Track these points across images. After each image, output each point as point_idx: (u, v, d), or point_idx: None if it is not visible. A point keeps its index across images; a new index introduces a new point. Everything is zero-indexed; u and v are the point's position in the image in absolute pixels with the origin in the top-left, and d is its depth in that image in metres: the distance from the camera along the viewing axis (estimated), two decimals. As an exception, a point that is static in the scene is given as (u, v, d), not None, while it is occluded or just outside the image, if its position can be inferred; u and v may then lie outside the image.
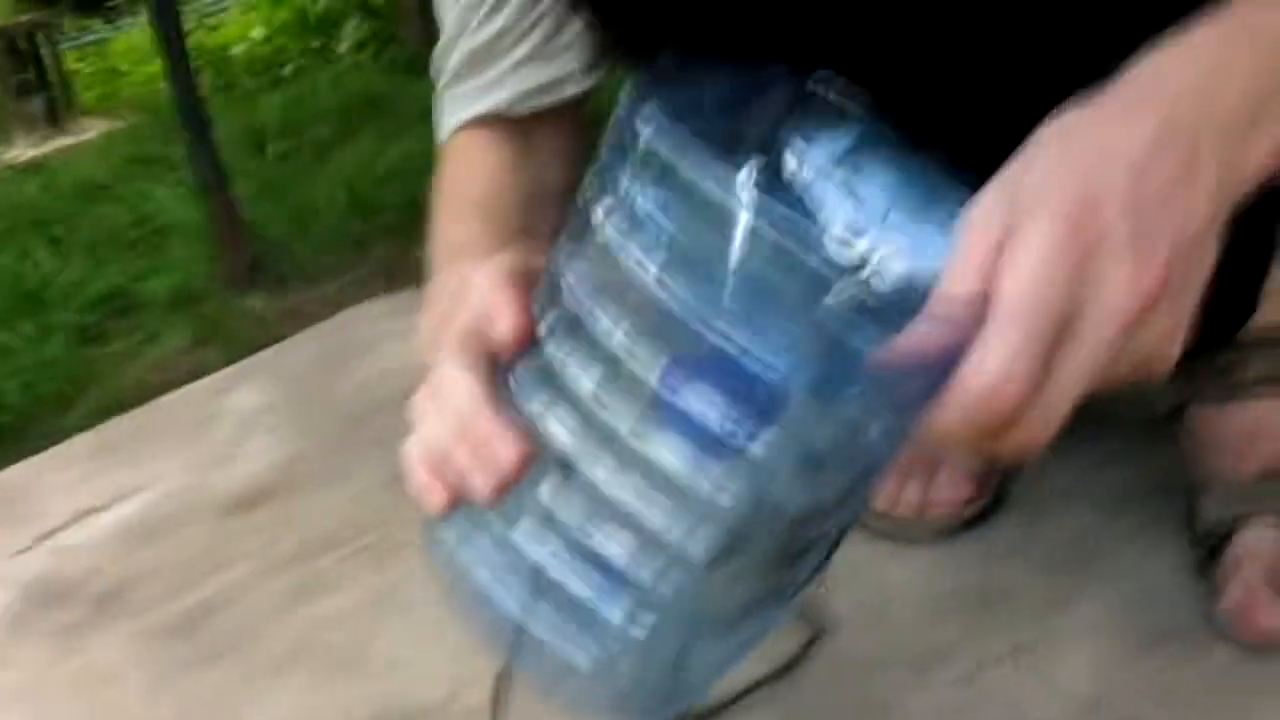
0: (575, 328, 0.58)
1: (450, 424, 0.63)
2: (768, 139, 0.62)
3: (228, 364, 1.73)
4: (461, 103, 0.96)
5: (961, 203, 0.55)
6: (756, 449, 0.55)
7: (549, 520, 0.61)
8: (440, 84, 0.98)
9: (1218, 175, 0.57)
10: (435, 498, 0.64)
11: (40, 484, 1.54)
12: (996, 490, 1.15)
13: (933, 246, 0.56)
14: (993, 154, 0.58)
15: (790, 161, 0.62)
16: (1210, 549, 1.02)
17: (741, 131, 0.60)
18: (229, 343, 1.79)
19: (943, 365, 0.53)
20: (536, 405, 0.61)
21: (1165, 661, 0.99)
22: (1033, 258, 0.53)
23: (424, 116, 2.42)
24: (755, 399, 0.54)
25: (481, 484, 0.62)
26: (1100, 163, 0.55)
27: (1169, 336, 0.56)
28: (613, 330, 0.56)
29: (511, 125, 0.95)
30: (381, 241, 1.99)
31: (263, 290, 1.90)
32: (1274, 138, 0.60)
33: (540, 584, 0.62)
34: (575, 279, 0.59)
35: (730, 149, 0.57)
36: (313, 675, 1.17)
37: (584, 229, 0.58)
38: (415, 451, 0.65)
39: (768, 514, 0.57)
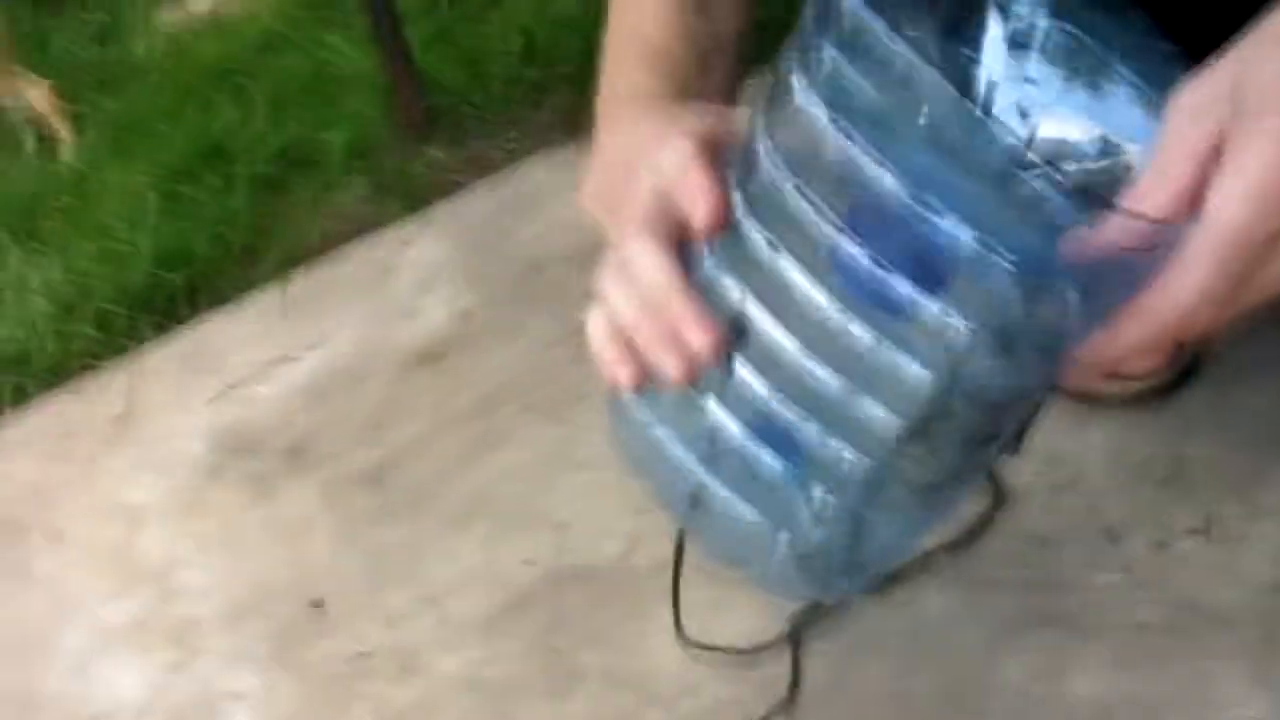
0: (772, 202, 0.57)
1: (639, 303, 0.62)
2: None
3: (407, 215, 1.74)
4: None
5: (1172, 82, 0.52)
6: (951, 325, 0.53)
7: (737, 395, 0.60)
8: None
9: None
10: (623, 376, 0.63)
11: (228, 337, 1.58)
12: (1189, 361, 1.11)
13: (1137, 127, 0.54)
14: (1206, 25, 0.55)
15: (992, 21, 0.59)
16: None
17: None
18: (408, 193, 1.79)
19: (1138, 262, 0.51)
20: (730, 283, 0.59)
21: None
22: (1249, 180, 0.51)
23: (600, -38, 2.38)
24: (947, 272, 0.52)
25: (672, 367, 0.61)
26: None
27: None
28: (811, 204, 0.54)
29: None
30: (559, 89, 1.96)
31: (441, 140, 1.90)
32: None
33: (722, 454, 0.62)
34: (772, 150, 0.57)
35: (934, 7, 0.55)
36: (491, 529, 1.20)
37: (782, 97, 0.56)
38: (602, 327, 0.64)
39: (957, 394, 0.56)
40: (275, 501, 1.31)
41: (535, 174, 1.74)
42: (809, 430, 0.59)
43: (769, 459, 0.60)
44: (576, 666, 1.05)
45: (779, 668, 0.99)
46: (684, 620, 1.02)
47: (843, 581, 0.67)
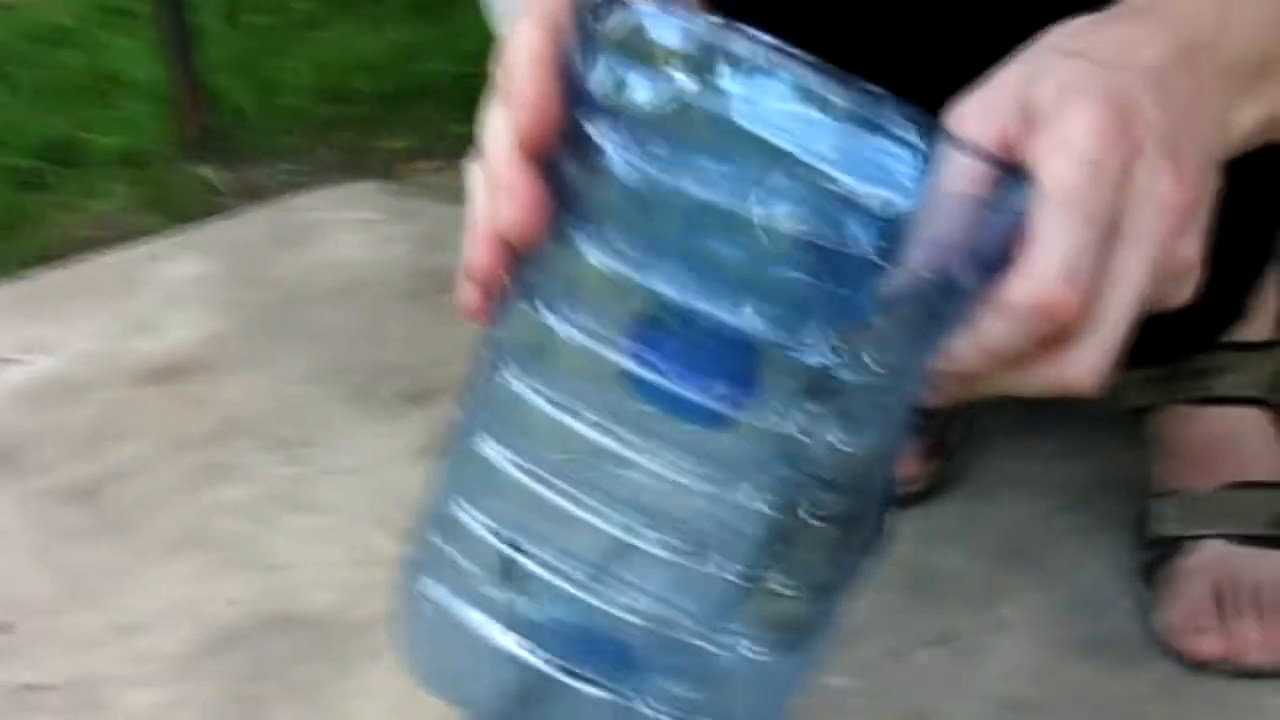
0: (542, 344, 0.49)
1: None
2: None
3: (168, 230, 1.65)
4: None
5: (923, 121, 0.47)
6: (780, 418, 0.47)
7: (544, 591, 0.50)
8: None
9: (1219, 116, 0.53)
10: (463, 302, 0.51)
11: (-48, 328, 1.47)
12: (939, 472, 1.10)
13: (915, 172, 0.47)
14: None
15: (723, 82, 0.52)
16: (1158, 558, 0.97)
17: None
18: (173, 209, 1.70)
19: (965, 277, 0.46)
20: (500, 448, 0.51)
21: (1093, 671, 0.95)
22: (1082, 142, 0.47)
23: (411, 7, 2.33)
24: (754, 361, 0.46)
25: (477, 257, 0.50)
26: (1123, 67, 0.50)
27: (1192, 262, 0.50)
28: (585, 333, 0.48)
29: None
30: (346, 129, 1.91)
31: (216, 160, 1.82)
32: (1269, 103, 0.56)
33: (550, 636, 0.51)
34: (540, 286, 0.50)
35: None
36: (201, 564, 1.11)
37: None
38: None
39: (805, 496, 0.49)
40: (-30, 509, 1.20)
41: (308, 208, 1.67)
42: (637, 601, 0.49)
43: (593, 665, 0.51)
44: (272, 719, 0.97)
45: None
46: (391, 688, 0.95)
47: None
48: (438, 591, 0.53)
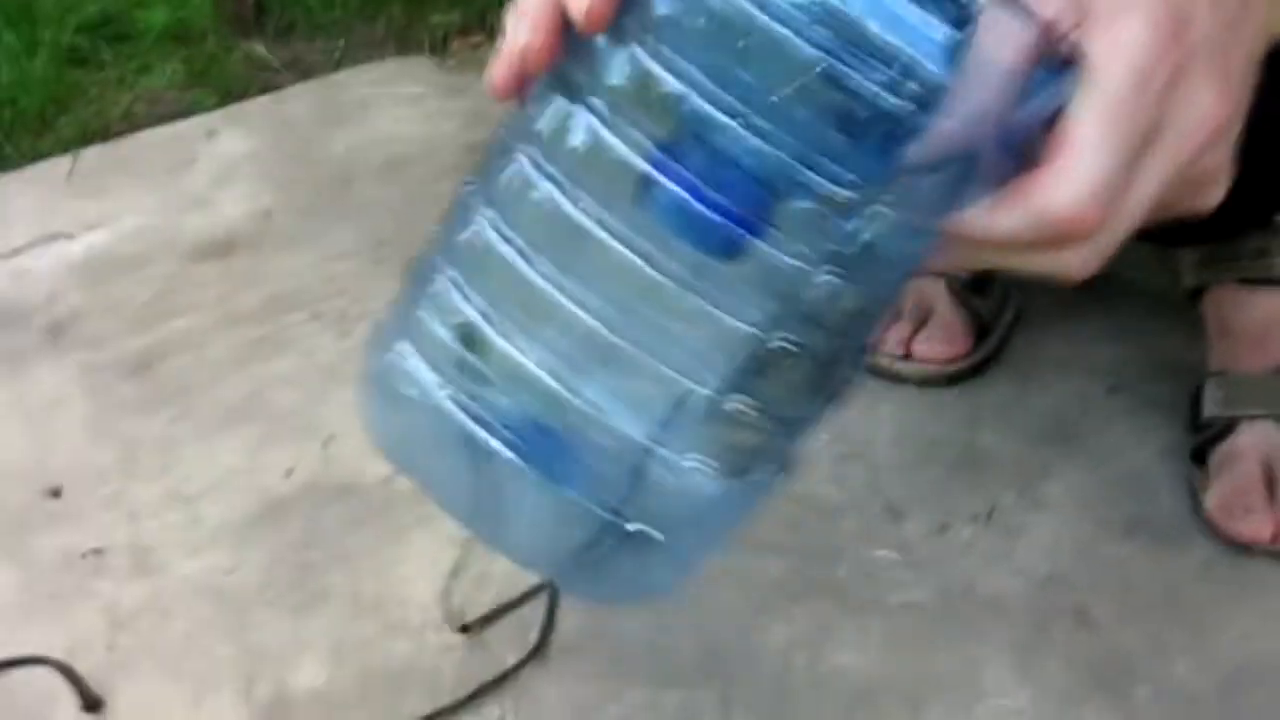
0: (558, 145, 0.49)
1: None
2: None
3: (219, 106, 1.65)
4: None
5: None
6: (770, 249, 0.47)
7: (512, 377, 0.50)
8: None
9: (1262, 29, 0.51)
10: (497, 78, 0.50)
11: (9, 203, 1.48)
12: (987, 352, 1.10)
13: (948, 29, 0.45)
14: None
15: None
16: (1208, 439, 0.97)
17: None
18: (224, 85, 1.71)
19: (991, 155, 0.46)
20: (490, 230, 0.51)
21: (1134, 551, 0.96)
22: (1138, 48, 0.46)
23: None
24: (770, 197, 0.46)
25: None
26: None
27: (1223, 167, 0.49)
28: (618, 138, 0.47)
29: None
30: (395, 5, 1.89)
31: (266, 36, 1.81)
32: None
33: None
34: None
35: None
36: (255, 434, 1.13)
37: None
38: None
39: (791, 328, 0.49)
40: (27, 380, 1.22)
41: (358, 84, 1.67)
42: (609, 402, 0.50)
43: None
44: (324, 585, 1.00)
45: (535, 613, 0.95)
46: (440, 556, 0.97)
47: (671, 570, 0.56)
48: (406, 358, 0.53)
